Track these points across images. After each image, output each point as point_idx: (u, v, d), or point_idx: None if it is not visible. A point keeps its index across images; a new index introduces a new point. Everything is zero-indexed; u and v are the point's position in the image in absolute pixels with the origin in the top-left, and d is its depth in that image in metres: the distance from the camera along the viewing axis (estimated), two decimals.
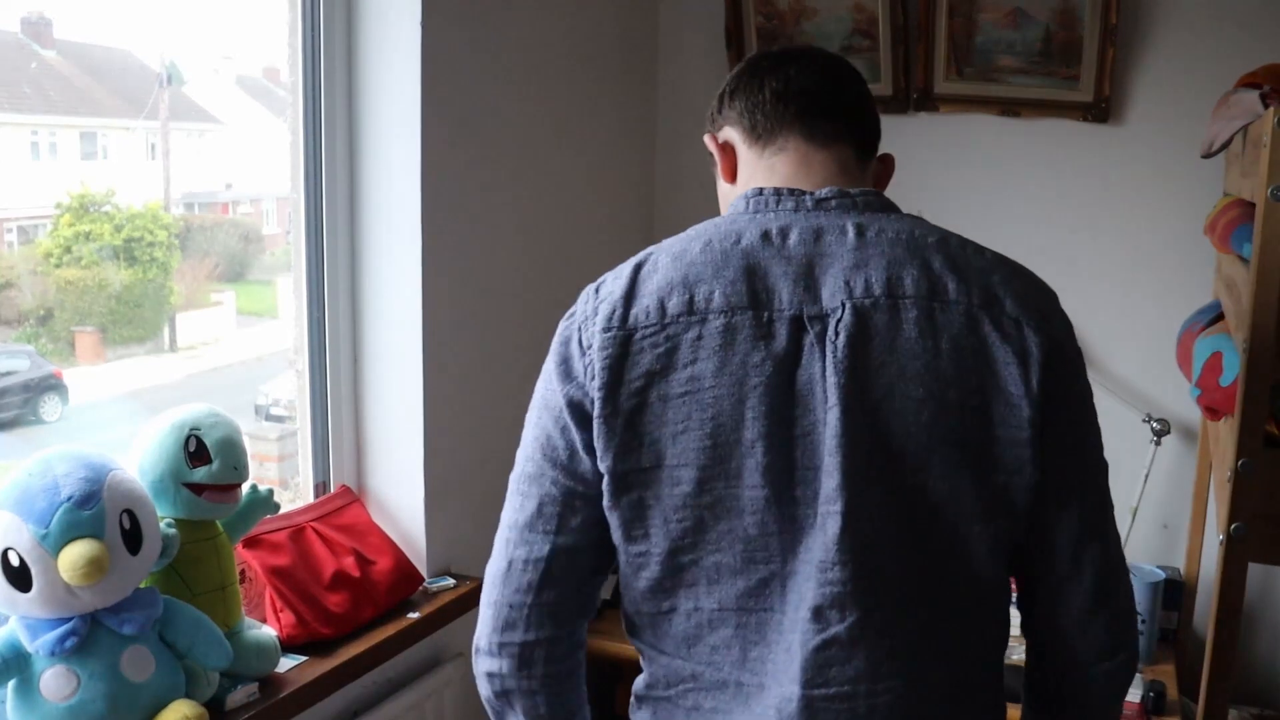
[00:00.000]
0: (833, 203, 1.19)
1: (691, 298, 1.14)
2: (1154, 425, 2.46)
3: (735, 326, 1.12)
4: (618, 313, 1.15)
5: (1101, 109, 2.47)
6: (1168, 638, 2.40)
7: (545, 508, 1.21)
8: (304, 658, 1.76)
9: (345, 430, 2.07)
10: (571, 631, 1.25)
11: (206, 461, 1.59)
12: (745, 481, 1.13)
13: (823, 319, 1.12)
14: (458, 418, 2.13)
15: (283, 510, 1.85)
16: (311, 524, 1.93)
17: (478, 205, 2.13)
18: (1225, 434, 1.54)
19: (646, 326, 1.14)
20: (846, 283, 1.12)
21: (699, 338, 1.13)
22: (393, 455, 2.07)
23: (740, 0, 2.63)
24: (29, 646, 1.37)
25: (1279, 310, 1.40)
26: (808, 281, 1.13)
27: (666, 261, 1.17)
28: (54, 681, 1.37)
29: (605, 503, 1.17)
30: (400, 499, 2.07)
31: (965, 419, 1.11)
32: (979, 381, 1.11)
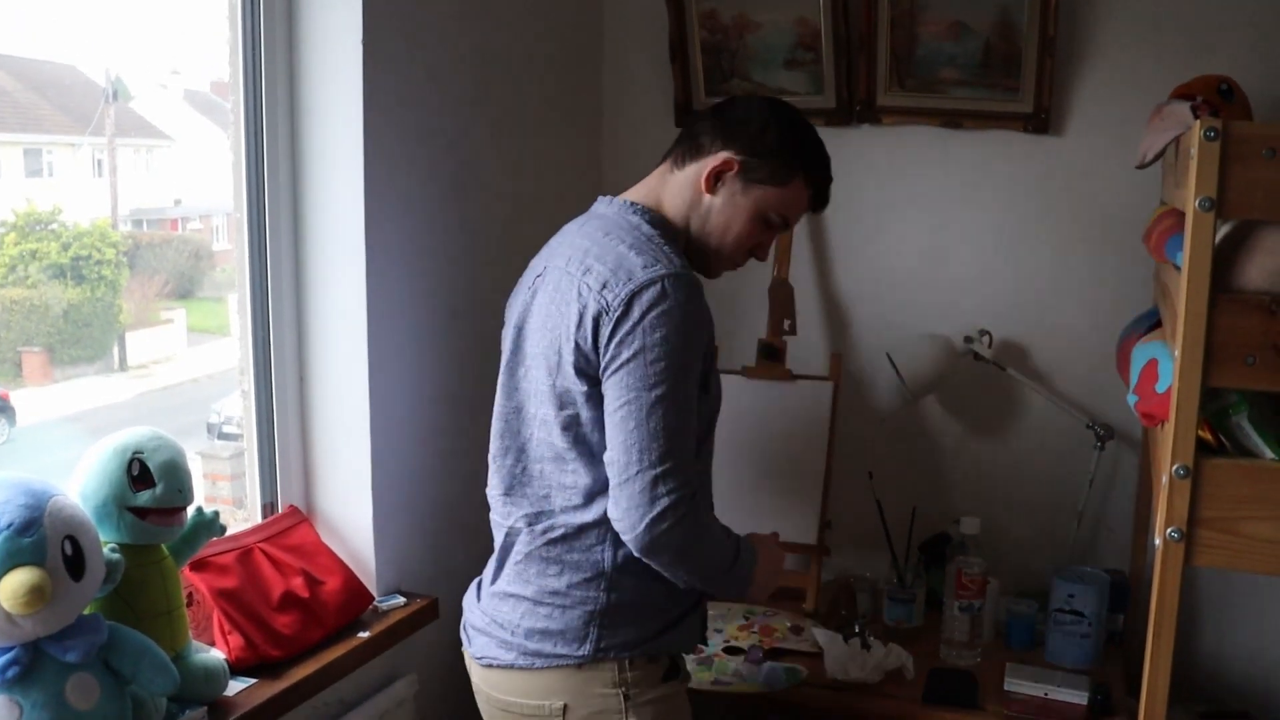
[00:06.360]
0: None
1: None
2: (1097, 430, 2.50)
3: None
4: None
5: (1041, 119, 2.50)
6: (1114, 639, 2.43)
7: None
8: (253, 680, 1.75)
9: (292, 450, 2.06)
10: None
11: (150, 485, 1.58)
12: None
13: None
14: (405, 436, 2.12)
15: (230, 531, 1.84)
16: (259, 545, 1.91)
17: (423, 221, 2.13)
18: (1161, 440, 1.57)
19: None
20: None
21: None
22: (340, 474, 2.06)
23: (684, 13, 2.64)
24: None
25: (1209, 318, 1.42)
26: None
27: None
28: None
29: None
30: (349, 518, 2.07)
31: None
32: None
